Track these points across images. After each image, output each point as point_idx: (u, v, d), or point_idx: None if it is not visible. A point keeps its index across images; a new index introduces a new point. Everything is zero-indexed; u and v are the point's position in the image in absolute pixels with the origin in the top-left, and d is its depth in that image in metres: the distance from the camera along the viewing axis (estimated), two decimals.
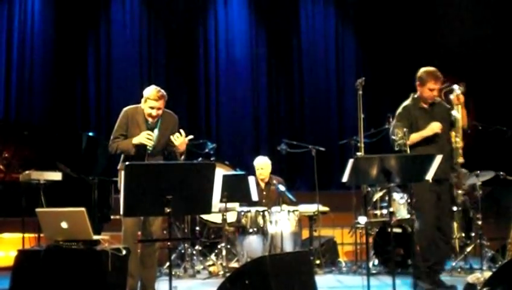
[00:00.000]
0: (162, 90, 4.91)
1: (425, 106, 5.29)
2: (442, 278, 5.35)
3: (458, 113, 5.21)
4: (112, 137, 4.97)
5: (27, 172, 5.83)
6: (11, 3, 9.59)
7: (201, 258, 6.88)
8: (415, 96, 5.34)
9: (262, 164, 7.18)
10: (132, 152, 4.79)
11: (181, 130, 4.87)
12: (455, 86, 5.24)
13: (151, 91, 4.88)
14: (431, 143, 5.14)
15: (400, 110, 5.33)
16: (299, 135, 9.55)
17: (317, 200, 6.69)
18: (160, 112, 4.90)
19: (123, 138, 4.92)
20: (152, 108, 4.86)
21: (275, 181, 7.10)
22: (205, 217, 7.02)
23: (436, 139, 5.16)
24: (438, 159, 4.30)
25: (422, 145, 5.13)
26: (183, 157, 4.99)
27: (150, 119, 4.89)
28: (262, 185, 7.16)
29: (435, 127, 5.13)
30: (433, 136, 5.14)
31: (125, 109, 5.01)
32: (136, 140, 4.81)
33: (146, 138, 4.76)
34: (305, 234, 6.94)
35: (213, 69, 10.14)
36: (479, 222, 6.57)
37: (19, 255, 4.32)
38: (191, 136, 4.91)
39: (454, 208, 6.79)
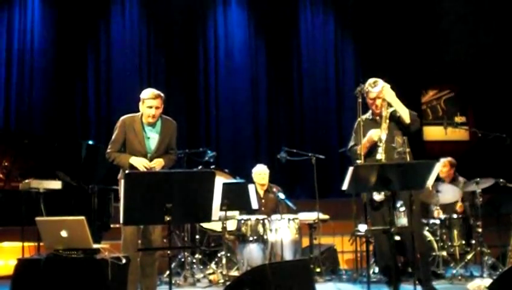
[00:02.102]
0: (159, 91, 4.93)
1: (377, 117, 5.26)
2: (442, 285, 5.34)
3: (384, 110, 5.10)
4: (109, 145, 4.98)
5: (27, 181, 5.84)
6: (11, 12, 9.59)
7: (201, 267, 6.86)
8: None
9: (262, 170, 7.19)
10: (127, 169, 4.77)
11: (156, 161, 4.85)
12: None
13: (146, 92, 4.93)
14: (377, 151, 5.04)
15: (355, 124, 5.28)
16: (298, 143, 9.56)
17: (317, 208, 6.68)
18: (158, 111, 4.90)
19: (120, 146, 4.93)
20: (150, 107, 4.86)
21: (274, 189, 7.10)
22: (205, 225, 7.01)
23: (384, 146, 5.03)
24: (438, 166, 4.29)
25: (372, 156, 5.06)
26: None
27: (150, 120, 4.88)
28: (262, 193, 7.16)
29: (371, 135, 5.07)
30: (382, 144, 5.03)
31: (122, 117, 5.02)
32: (133, 161, 4.80)
33: (143, 166, 4.76)
34: (305, 242, 6.93)
35: (213, 78, 10.14)
36: (479, 229, 6.55)
37: (19, 264, 4.31)
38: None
39: (455, 216, 6.83)
